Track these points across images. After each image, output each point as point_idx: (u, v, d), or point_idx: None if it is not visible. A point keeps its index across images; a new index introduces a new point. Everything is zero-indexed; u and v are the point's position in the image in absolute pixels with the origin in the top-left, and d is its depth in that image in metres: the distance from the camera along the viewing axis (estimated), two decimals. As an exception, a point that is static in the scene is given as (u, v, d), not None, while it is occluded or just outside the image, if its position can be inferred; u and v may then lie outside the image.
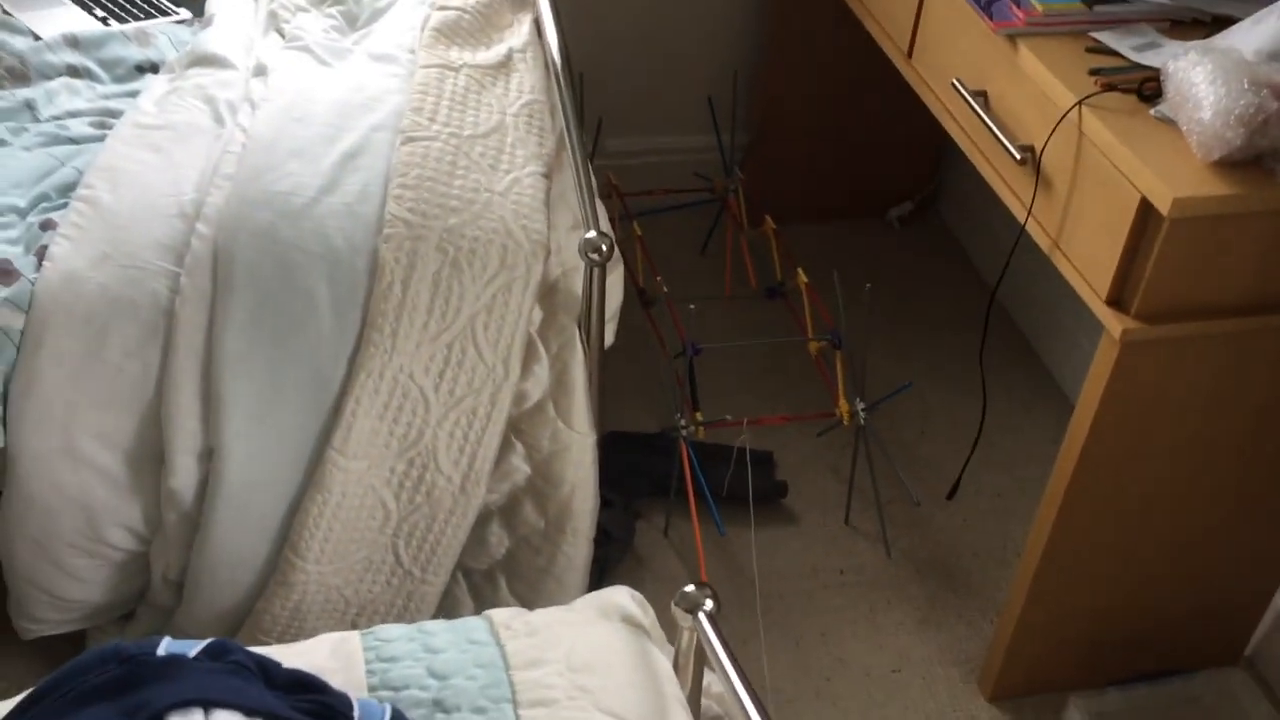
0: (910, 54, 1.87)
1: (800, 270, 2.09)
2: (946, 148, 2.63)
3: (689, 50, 2.55)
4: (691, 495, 1.95)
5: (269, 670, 0.95)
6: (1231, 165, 1.36)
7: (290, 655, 1.04)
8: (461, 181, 1.49)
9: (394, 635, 1.11)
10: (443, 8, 1.69)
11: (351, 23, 1.72)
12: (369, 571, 1.55)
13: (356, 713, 0.94)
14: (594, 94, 2.45)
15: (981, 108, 1.64)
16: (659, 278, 2.07)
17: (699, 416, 1.95)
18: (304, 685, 0.94)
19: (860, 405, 1.97)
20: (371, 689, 1.03)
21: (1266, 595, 1.83)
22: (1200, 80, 1.35)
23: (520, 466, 1.60)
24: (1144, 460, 1.58)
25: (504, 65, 1.65)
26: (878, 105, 2.51)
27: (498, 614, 1.15)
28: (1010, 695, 1.84)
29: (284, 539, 1.50)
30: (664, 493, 2.04)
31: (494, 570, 1.69)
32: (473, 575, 1.68)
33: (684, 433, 1.93)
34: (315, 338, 1.44)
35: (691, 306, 1.91)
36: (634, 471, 2.07)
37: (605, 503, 1.97)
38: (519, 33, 1.72)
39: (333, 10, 1.73)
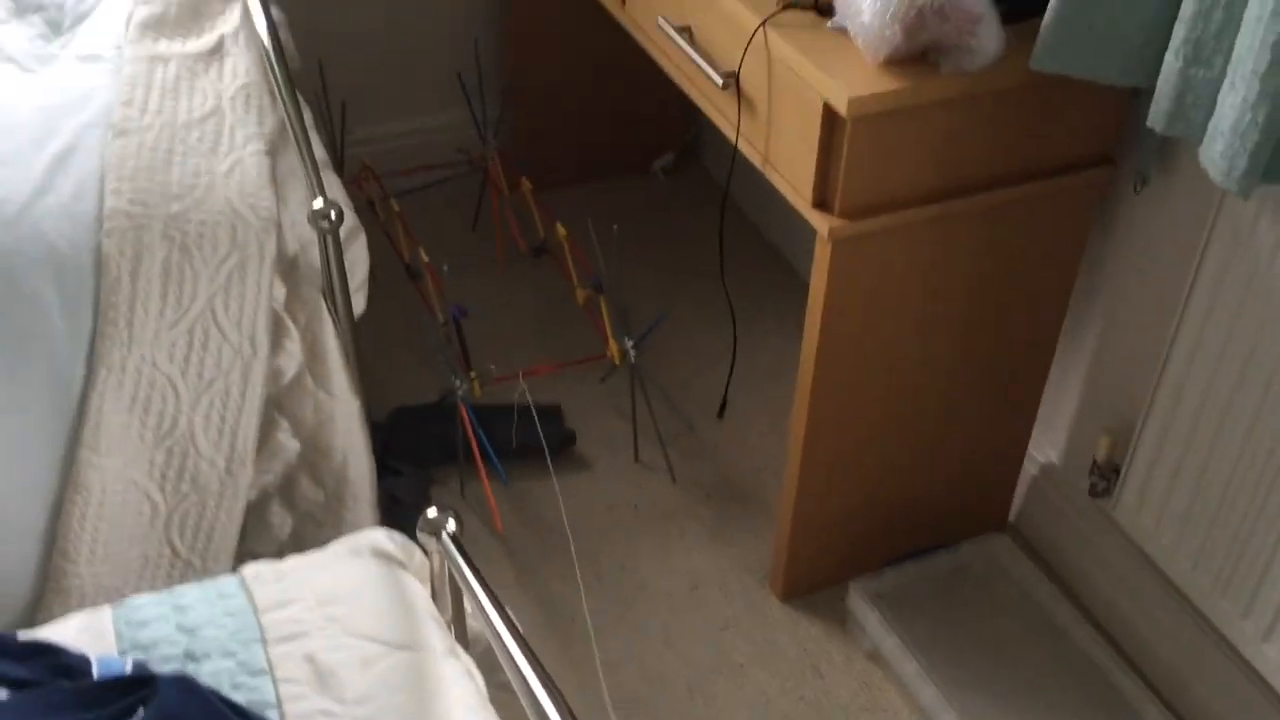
0: (623, 1, 1.95)
1: (559, 225, 2.16)
2: (695, 95, 2.73)
3: (429, 27, 2.59)
4: (477, 453, 2.00)
5: (3, 642, 0.97)
6: (900, 63, 1.47)
7: (39, 636, 1.05)
8: (180, 168, 1.50)
9: (143, 602, 1.13)
10: (148, 1, 1.69)
11: (56, 29, 1.71)
12: (146, 568, 1.56)
13: (95, 669, 0.96)
14: (341, 79, 2.47)
15: (687, 42, 1.72)
16: (419, 247, 2.11)
17: (473, 375, 2.00)
18: (38, 651, 0.96)
19: (629, 343, 2.04)
20: (121, 653, 1.06)
21: (1017, 462, 1.98)
22: (860, -13, 1.45)
23: (288, 443, 1.63)
24: (876, 348, 1.70)
25: (216, 51, 1.67)
26: (626, 59, 2.58)
27: (248, 567, 1.18)
28: (800, 593, 1.95)
29: (52, 545, 1.49)
30: (454, 457, 2.08)
31: (283, 551, 1.70)
32: (262, 559, 1.70)
33: (460, 394, 1.97)
34: (50, 341, 1.44)
35: (445, 268, 1.95)
36: (424, 441, 2.11)
37: (396, 472, 2.01)
38: (230, 19, 1.74)
39: (34, 18, 1.71)
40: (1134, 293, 1.75)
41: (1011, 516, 2.06)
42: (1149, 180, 1.67)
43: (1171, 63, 1.35)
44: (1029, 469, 2.01)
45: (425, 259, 2.09)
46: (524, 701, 0.99)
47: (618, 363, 2.07)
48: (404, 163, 2.57)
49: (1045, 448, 1.99)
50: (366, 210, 2.29)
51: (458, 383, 1.98)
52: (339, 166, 2.23)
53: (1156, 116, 1.39)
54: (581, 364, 2.17)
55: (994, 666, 1.80)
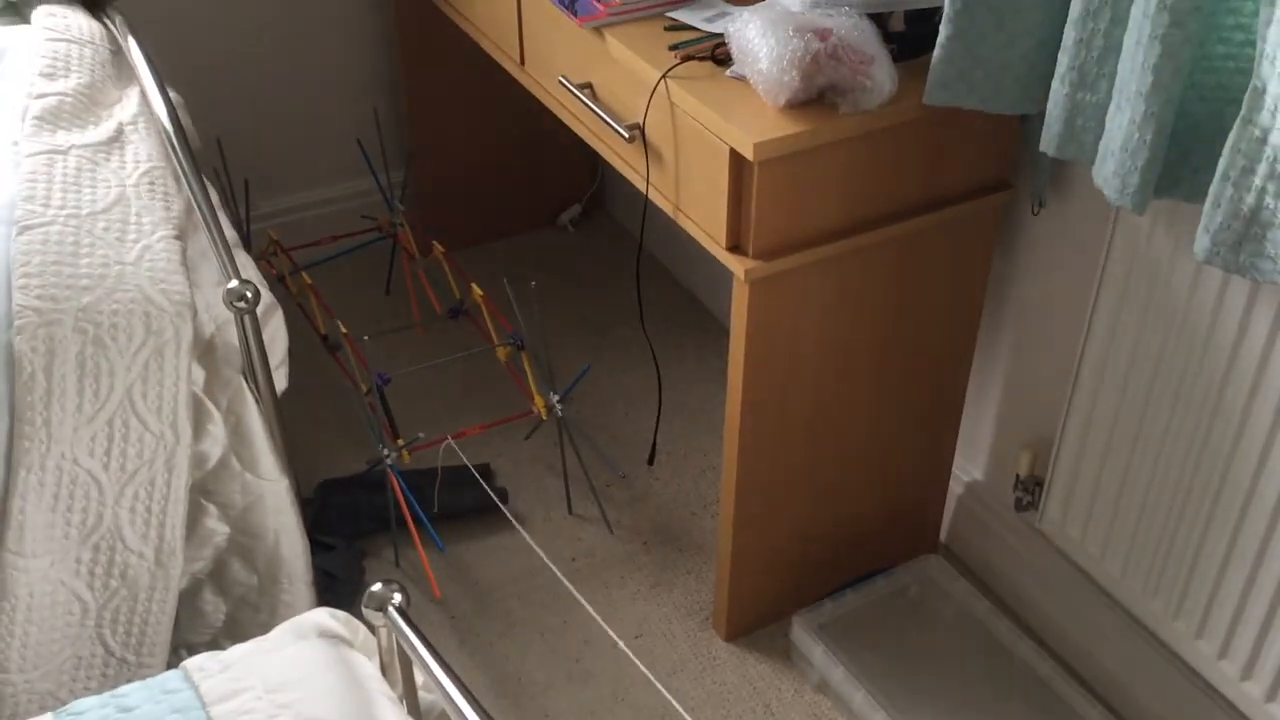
0: (523, 62, 1.97)
1: (474, 285, 2.16)
2: (598, 146, 2.76)
3: (327, 94, 2.58)
4: (410, 521, 1.99)
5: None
6: (800, 106, 1.51)
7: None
8: (89, 259, 1.48)
9: (86, 706, 1.10)
10: (41, 95, 1.67)
11: (-52, 127, 1.68)
12: (80, 669, 1.52)
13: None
14: (241, 157, 2.45)
15: (590, 98, 1.75)
16: (336, 319, 2.10)
17: (400, 443, 1.98)
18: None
19: (554, 397, 2.05)
20: (66, 763, 1.03)
21: (944, 483, 2.02)
22: (754, 36, 1.49)
23: (217, 528, 1.60)
24: (798, 383, 1.72)
25: (115, 139, 1.65)
26: (526, 115, 2.61)
27: (192, 661, 1.16)
28: (744, 631, 1.96)
29: (-20, 656, 1.45)
30: (387, 526, 2.06)
31: (218, 639, 1.67)
32: (197, 649, 1.66)
33: (389, 462, 1.96)
34: (-35, 445, 1.40)
35: (366, 338, 1.94)
36: (353, 512, 2.09)
37: (327, 548, 1.99)
38: (127, 106, 1.72)
39: (-74, 118, 1.68)
40: (1041, 311, 1.80)
41: (943, 536, 2.10)
42: (1045, 202, 1.73)
43: (1059, 89, 1.41)
44: (956, 489, 2.05)
45: (343, 329, 2.08)
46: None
47: (544, 417, 2.07)
48: (312, 234, 2.56)
49: (970, 467, 2.04)
50: (277, 285, 2.27)
51: (385, 451, 1.96)
52: (246, 243, 2.21)
53: (1049, 141, 1.45)
54: (508, 421, 2.16)
55: (940, 686, 1.83)
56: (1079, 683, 1.81)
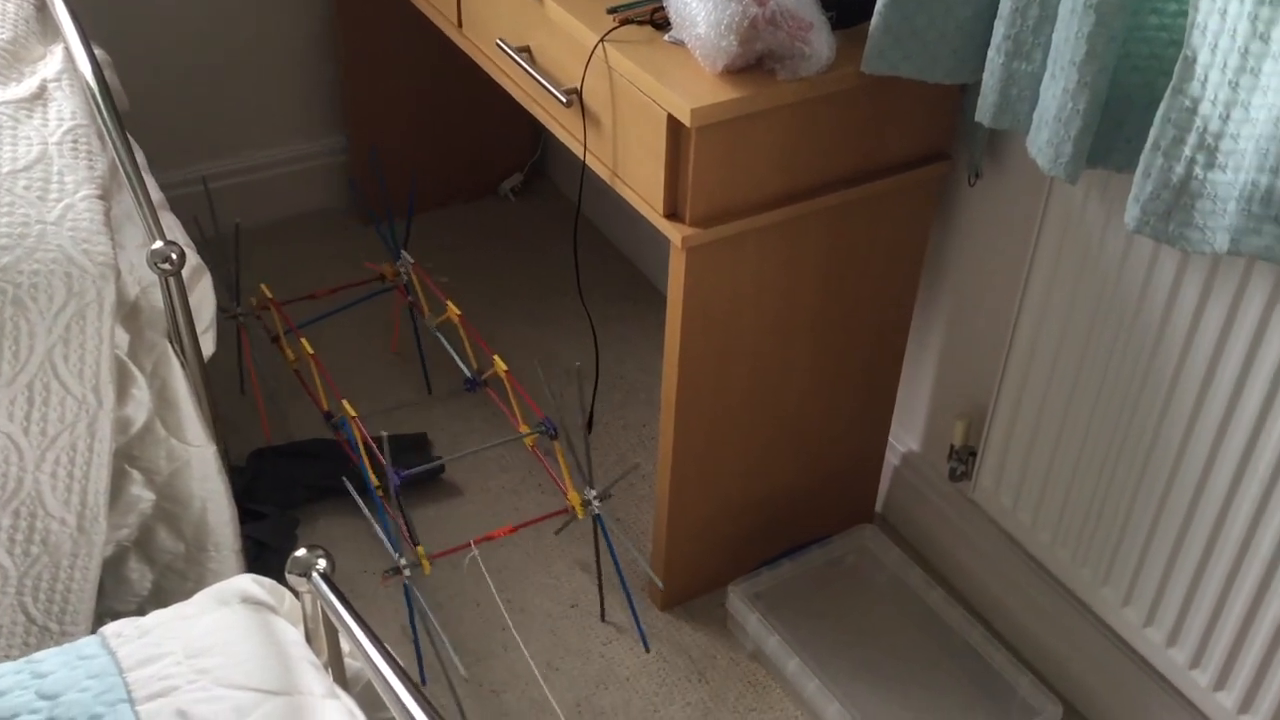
0: (460, 24, 1.94)
1: (497, 359, 1.94)
2: (539, 114, 2.74)
3: (261, 58, 2.53)
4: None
5: None
6: (738, 72, 1.50)
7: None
8: (8, 218, 1.44)
9: (0, 673, 1.08)
10: (-39, 50, 1.62)
11: None
12: (0, 638, 1.48)
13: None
14: (172, 118, 2.41)
15: (527, 62, 1.72)
16: (343, 399, 1.89)
17: (421, 551, 1.76)
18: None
19: (591, 493, 1.82)
20: (-23, 729, 1.00)
21: (880, 453, 2.03)
22: (693, 1, 1.48)
23: (143, 494, 1.57)
24: (736, 350, 1.72)
25: (38, 97, 1.61)
26: (467, 82, 2.57)
27: (109, 626, 1.14)
28: (680, 601, 1.96)
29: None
30: (320, 495, 2.04)
31: (144, 607, 1.64)
32: (123, 617, 1.63)
33: (407, 576, 1.73)
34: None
35: (385, 434, 1.71)
36: (286, 481, 2.06)
37: (258, 516, 1.96)
38: (51, 63, 1.68)
39: None
40: (976, 281, 1.81)
41: (879, 506, 2.11)
42: (982, 173, 1.73)
43: (994, 59, 1.41)
44: (891, 459, 2.07)
45: (351, 412, 1.85)
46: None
47: (580, 516, 1.84)
48: (250, 200, 2.51)
49: (905, 437, 2.05)
50: (271, 345, 2.13)
51: (404, 563, 1.72)
52: (235, 294, 2.07)
53: (984, 111, 1.45)
54: (540, 521, 1.95)
55: (873, 654, 1.84)
56: (1010, 650, 1.83)
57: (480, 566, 1.88)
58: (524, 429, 1.92)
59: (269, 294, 2.12)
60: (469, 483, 2.14)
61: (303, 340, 2.02)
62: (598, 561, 1.95)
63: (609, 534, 1.85)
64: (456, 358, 2.08)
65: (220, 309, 1.72)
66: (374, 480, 1.82)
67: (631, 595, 1.90)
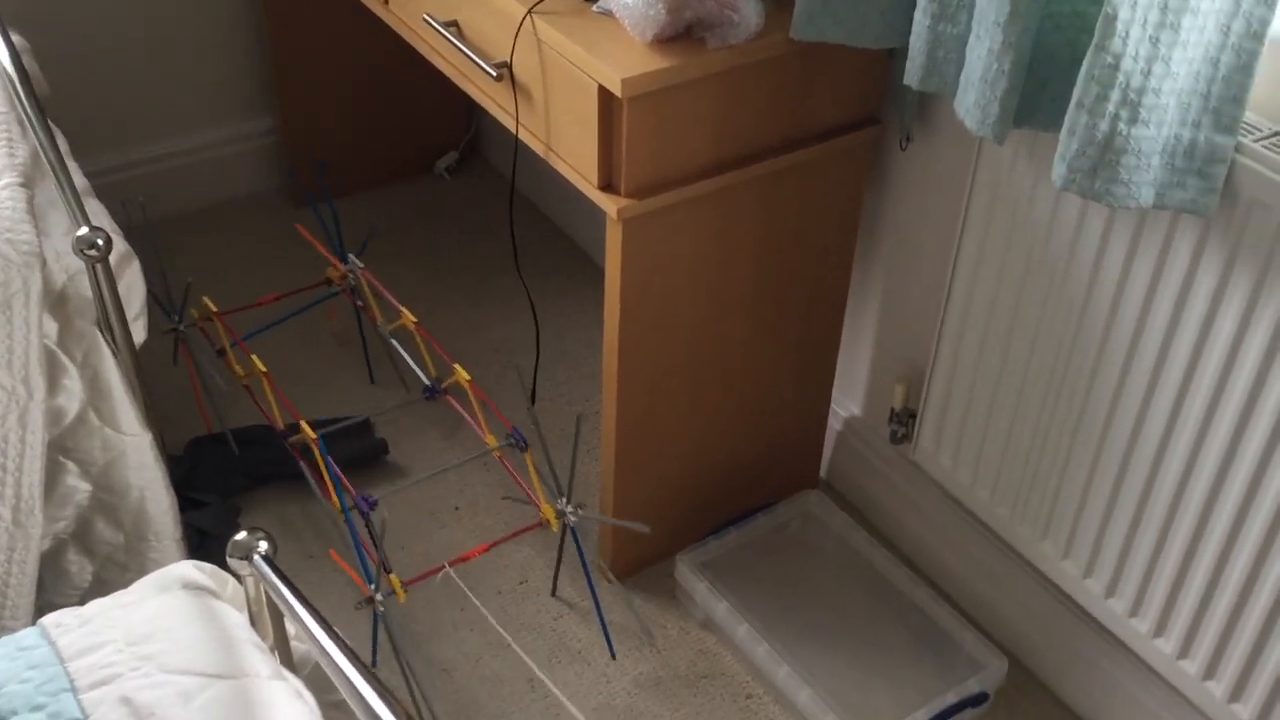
0: (386, 0, 1.92)
1: (458, 368, 1.88)
2: (472, 91, 2.71)
3: (185, 40, 2.49)
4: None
5: None
6: (667, 42, 1.50)
7: None
8: (-74, 208, 1.41)
9: (-66, 670, 1.06)
10: None
11: None
12: (-63, 636, 1.46)
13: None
14: (94, 104, 2.36)
15: (455, 37, 1.71)
16: (301, 420, 1.81)
17: (395, 581, 1.68)
18: None
19: (564, 503, 1.77)
20: (-84, 726, 0.99)
21: (823, 418, 2.05)
22: (620, -31, 1.47)
23: (78, 485, 1.55)
24: (675, 321, 1.72)
25: (-47, 83, 1.57)
26: (398, 61, 2.54)
27: (48, 617, 1.12)
28: (629, 572, 1.97)
29: None
30: (259, 483, 2.02)
31: (85, 599, 1.61)
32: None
33: (380, 605, 1.66)
34: None
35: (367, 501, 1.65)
36: (225, 469, 2.04)
37: (199, 504, 1.94)
38: (-34, 48, 1.64)
39: None
40: (910, 245, 1.83)
41: (823, 472, 2.13)
42: (913, 136, 1.75)
43: (920, 21, 1.42)
44: (834, 424, 2.08)
45: (312, 435, 1.75)
46: (358, 711, 0.97)
47: (555, 529, 1.80)
48: (176, 186, 2.47)
49: (848, 402, 2.07)
50: (217, 359, 2.02)
51: (379, 594, 1.65)
52: (181, 308, 2.00)
53: (912, 74, 1.46)
54: (516, 536, 1.89)
55: (820, 617, 1.86)
56: (954, 608, 1.86)
57: (456, 581, 1.82)
58: (490, 440, 1.85)
59: (213, 307, 2.03)
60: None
61: (253, 357, 1.92)
62: (559, 557, 1.92)
63: (580, 543, 1.79)
64: (415, 366, 2.01)
65: (161, 327, 1.63)
66: (334, 506, 1.73)
67: (592, 580, 1.85)
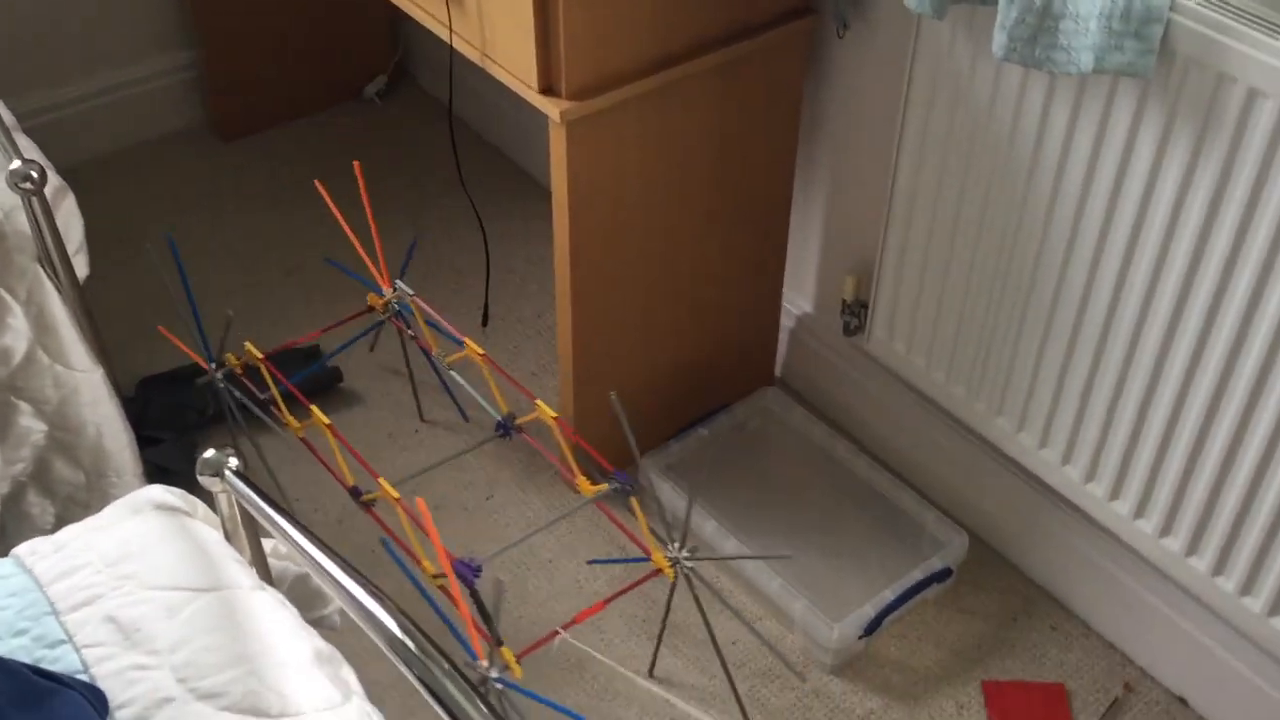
0: (306, -84, 1.87)
1: (539, 403, 1.69)
2: (400, 13, 2.66)
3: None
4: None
5: None
6: (601, -65, 1.48)
7: None
8: None
9: (-90, 605, 1.04)
10: None
11: None
12: (-99, 586, 1.43)
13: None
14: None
15: (381, -54, 1.67)
16: (379, 477, 1.61)
17: (507, 654, 1.44)
18: None
19: (676, 547, 1.58)
20: (-105, 661, 0.98)
21: (775, 316, 2.06)
22: None
23: (33, 425, 1.52)
24: (624, 225, 1.72)
25: None
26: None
27: (21, 546, 1.11)
28: (593, 481, 1.97)
29: None
30: (214, 420, 2.00)
31: (49, 542, 1.60)
32: (30, 551, 1.59)
33: (495, 681, 1.41)
34: None
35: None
36: (177, 407, 2.01)
37: (156, 441, 1.91)
38: None
39: None
40: (854, 134, 1.83)
41: (778, 370, 2.15)
42: (849, 23, 1.74)
43: (854, -100, 1.41)
44: (787, 322, 2.10)
45: (394, 494, 1.55)
46: (351, 612, 0.97)
47: (671, 578, 1.59)
48: (99, 127, 2.40)
49: (799, 299, 2.08)
50: (266, 406, 1.86)
51: (491, 669, 1.41)
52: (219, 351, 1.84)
53: (848, -46, 1.45)
54: (630, 590, 1.65)
55: (785, 509, 1.89)
56: (915, 490, 1.90)
57: (572, 643, 1.60)
58: (582, 482, 1.64)
59: (257, 354, 1.81)
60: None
61: (313, 408, 1.68)
62: (708, 629, 1.62)
63: (696, 591, 1.60)
64: (483, 402, 1.84)
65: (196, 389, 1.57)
66: (447, 586, 1.49)
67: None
